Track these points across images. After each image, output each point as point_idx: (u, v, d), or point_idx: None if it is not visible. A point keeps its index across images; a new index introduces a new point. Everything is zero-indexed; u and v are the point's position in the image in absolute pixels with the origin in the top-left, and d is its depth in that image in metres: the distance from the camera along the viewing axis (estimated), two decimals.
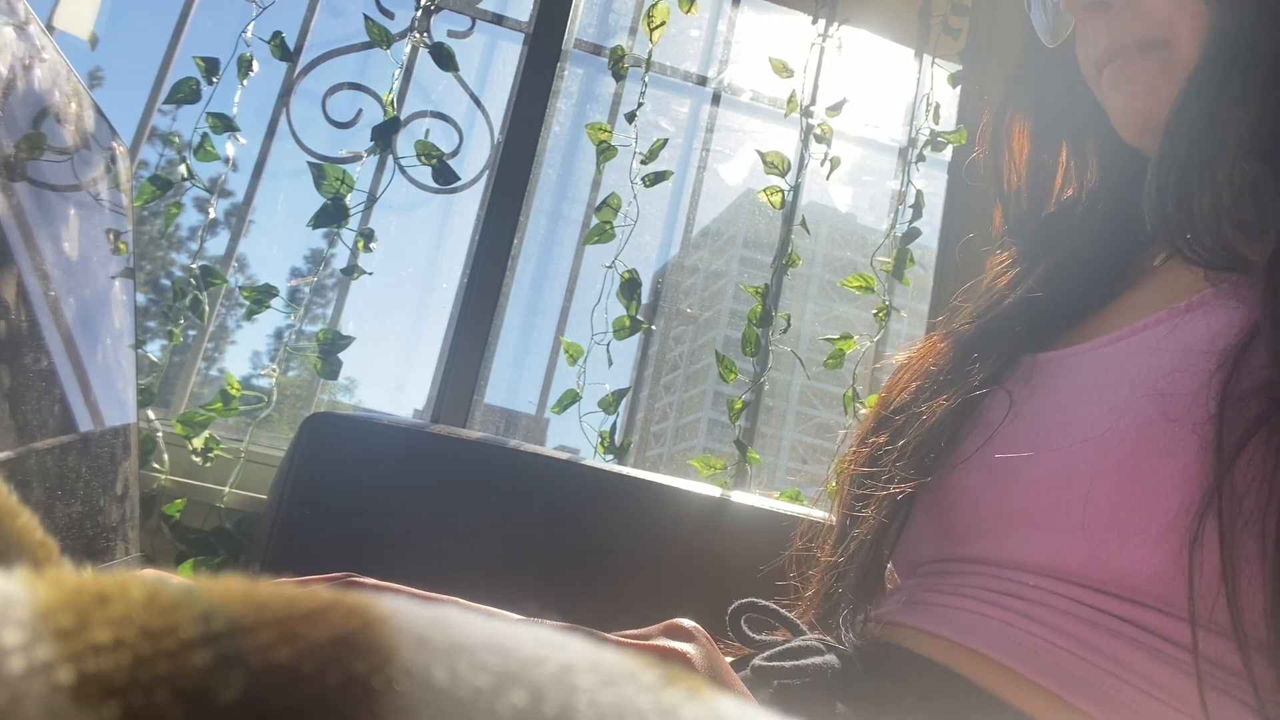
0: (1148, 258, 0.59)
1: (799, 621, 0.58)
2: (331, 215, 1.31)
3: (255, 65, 1.37)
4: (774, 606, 0.56)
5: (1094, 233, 0.62)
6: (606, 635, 0.37)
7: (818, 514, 1.15)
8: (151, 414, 1.25)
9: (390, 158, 1.41)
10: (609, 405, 1.35)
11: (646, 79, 1.46)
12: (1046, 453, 0.48)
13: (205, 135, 1.32)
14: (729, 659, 0.55)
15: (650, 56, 1.47)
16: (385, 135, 1.38)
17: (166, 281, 1.35)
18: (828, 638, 0.54)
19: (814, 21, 1.57)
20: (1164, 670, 0.42)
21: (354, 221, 1.34)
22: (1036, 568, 0.48)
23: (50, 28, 1.33)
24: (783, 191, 1.46)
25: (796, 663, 0.49)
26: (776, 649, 0.53)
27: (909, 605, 0.54)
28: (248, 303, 1.31)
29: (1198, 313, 0.47)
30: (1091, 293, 0.60)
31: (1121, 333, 0.51)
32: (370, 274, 1.37)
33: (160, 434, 1.24)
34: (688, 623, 0.38)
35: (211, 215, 1.34)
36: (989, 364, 0.57)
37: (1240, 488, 0.40)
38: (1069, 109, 0.64)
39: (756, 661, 0.52)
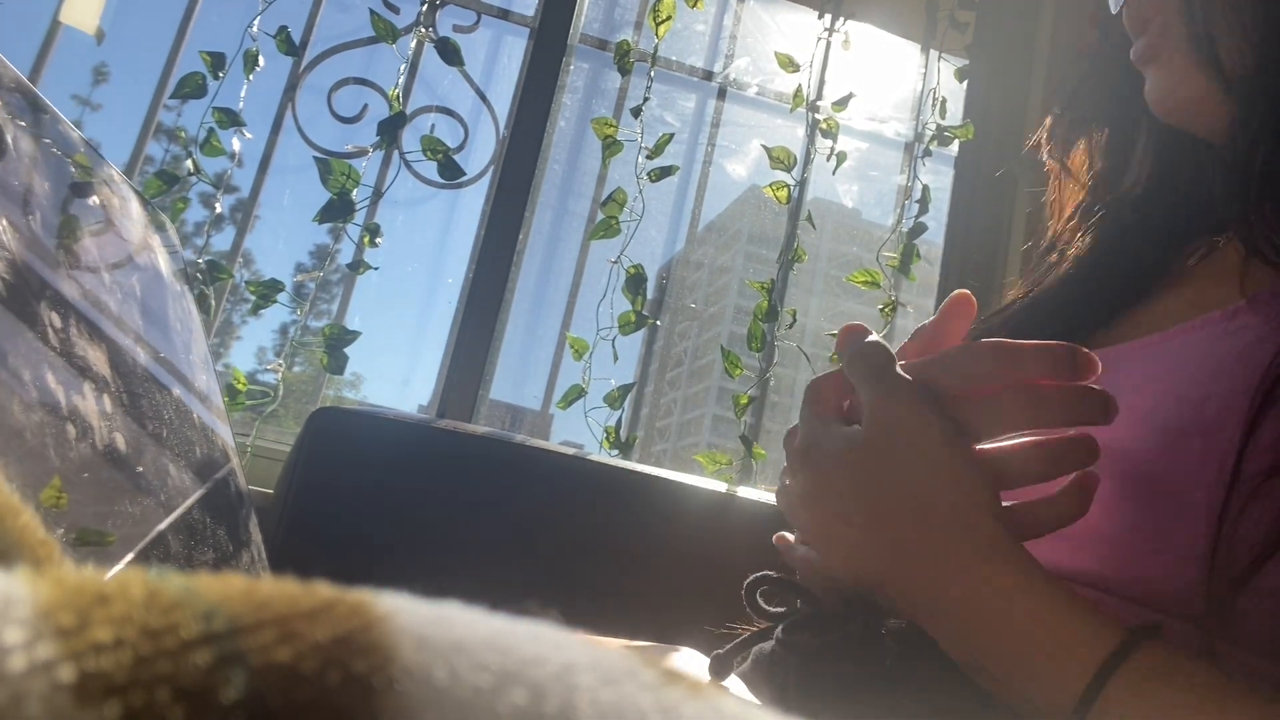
0: (1185, 255, 0.55)
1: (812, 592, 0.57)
2: (337, 210, 1.32)
3: (261, 60, 1.37)
4: (787, 579, 0.56)
5: (1138, 225, 0.58)
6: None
7: None
8: None
9: (396, 153, 1.41)
10: (614, 400, 1.35)
11: (652, 74, 1.45)
12: None
13: (211, 130, 1.33)
14: (746, 633, 0.55)
15: (656, 51, 1.47)
16: (391, 130, 1.38)
17: None
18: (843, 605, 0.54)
19: (820, 16, 1.56)
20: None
21: (360, 216, 1.34)
22: (1051, 569, 0.47)
23: (56, 23, 1.33)
24: (788, 186, 1.46)
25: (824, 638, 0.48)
26: (794, 619, 0.52)
27: None
28: (253, 298, 1.31)
29: (1235, 323, 0.45)
30: (1127, 289, 0.57)
31: (1154, 338, 0.49)
32: (376, 269, 1.37)
33: None
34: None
35: (217, 210, 1.34)
36: None
37: (1262, 505, 0.38)
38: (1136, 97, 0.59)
39: (780, 635, 0.51)
